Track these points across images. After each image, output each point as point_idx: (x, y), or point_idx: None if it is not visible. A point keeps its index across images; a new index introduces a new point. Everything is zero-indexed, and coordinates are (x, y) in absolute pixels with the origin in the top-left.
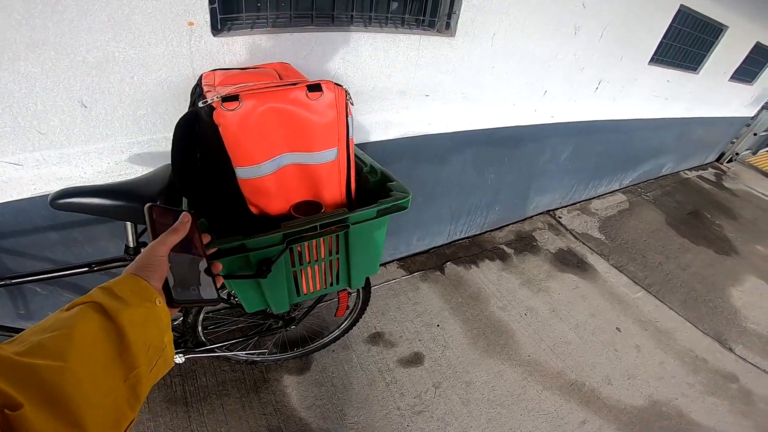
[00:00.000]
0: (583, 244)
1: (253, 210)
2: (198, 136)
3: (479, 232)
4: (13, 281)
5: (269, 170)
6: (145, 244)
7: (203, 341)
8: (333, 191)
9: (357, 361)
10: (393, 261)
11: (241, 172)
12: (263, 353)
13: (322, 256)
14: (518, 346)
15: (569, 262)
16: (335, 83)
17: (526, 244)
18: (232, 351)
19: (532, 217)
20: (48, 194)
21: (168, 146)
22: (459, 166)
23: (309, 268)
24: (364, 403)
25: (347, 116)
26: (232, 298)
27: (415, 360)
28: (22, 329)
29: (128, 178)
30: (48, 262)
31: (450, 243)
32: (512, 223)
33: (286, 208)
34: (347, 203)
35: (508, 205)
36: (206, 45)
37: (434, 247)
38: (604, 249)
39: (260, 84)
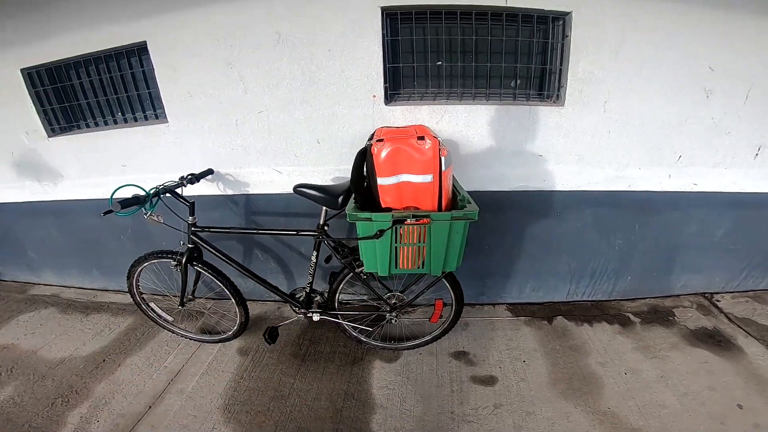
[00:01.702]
0: (738, 327)
1: (383, 203)
2: (365, 160)
3: (605, 299)
4: (259, 232)
5: (393, 182)
6: (328, 226)
7: (336, 307)
8: (428, 202)
9: (436, 366)
10: (503, 304)
11: (380, 180)
12: (369, 336)
13: (414, 241)
14: (600, 397)
15: (708, 340)
16: (434, 135)
17: (659, 316)
18: (351, 323)
19: (678, 295)
20: (287, 193)
21: (347, 173)
22: (577, 224)
23: (404, 248)
24: (425, 398)
25: (440, 156)
26: (361, 274)
27: (487, 381)
28: (253, 272)
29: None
30: None
31: (568, 302)
32: (650, 297)
33: (401, 207)
34: (436, 211)
35: (643, 277)
36: (381, 111)
37: (550, 302)
38: (767, 335)
39: (397, 135)
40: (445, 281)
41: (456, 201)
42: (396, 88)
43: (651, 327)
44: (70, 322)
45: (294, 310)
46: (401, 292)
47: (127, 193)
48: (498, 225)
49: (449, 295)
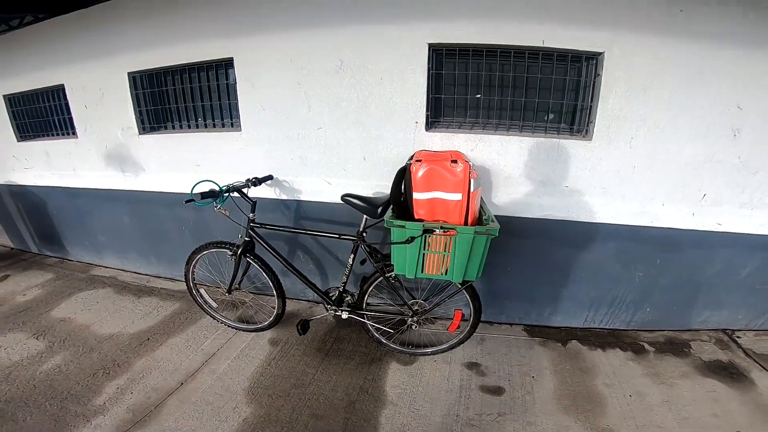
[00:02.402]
0: (755, 362)
1: (416, 215)
2: (404, 176)
3: (623, 328)
4: (308, 232)
5: (426, 197)
6: (366, 233)
7: (363, 307)
8: (455, 217)
9: (448, 372)
10: (520, 324)
11: (415, 195)
12: (389, 339)
13: (440, 249)
14: (602, 415)
15: (720, 371)
16: (466, 159)
17: (674, 347)
18: (374, 325)
19: (698, 330)
20: (333, 203)
21: (386, 189)
22: (599, 255)
23: (431, 255)
24: (434, 400)
25: (470, 178)
26: (390, 278)
27: (495, 391)
28: (296, 267)
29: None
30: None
31: (585, 328)
32: (669, 330)
33: (430, 220)
34: (463, 225)
35: (663, 310)
36: (421, 136)
37: (567, 327)
38: None
39: (434, 158)
40: (466, 293)
41: (481, 219)
42: (437, 116)
43: (664, 356)
44: (123, 303)
45: (326, 307)
46: (424, 300)
47: (204, 187)
48: (522, 250)
49: (468, 308)
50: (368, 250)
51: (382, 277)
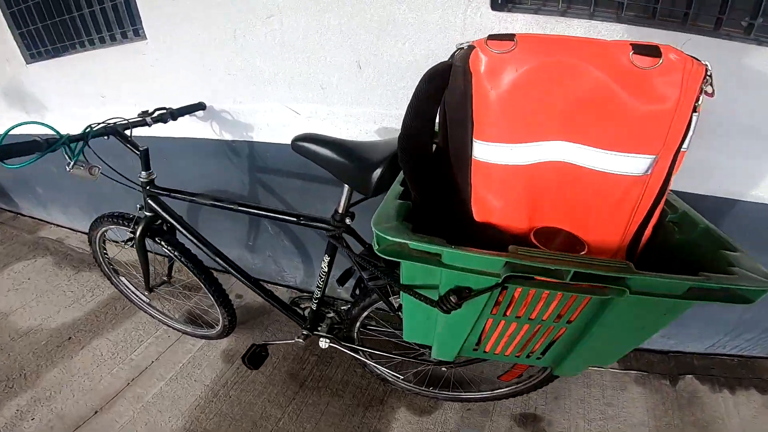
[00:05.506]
0: None
1: (475, 210)
2: (445, 94)
3: (763, 356)
4: (240, 209)
5: (523, 159)
6: (352, 216)
7: (353, 338)
8: (608, 225)
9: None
10: None
11: (480, 149)
12: (398, 378)
13: (544, 318)
14: None
15: None
16: (689, 54)
17: None
18: (372, 360)
19: None
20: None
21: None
22: None
23: (505, 323)
24: None
25: (693, 112)
26: (399, 311)
27: None
28: (232, 263)
29: None
30: (283, 204)
31: (707, 354)
32: None
33: (525, 227)
34: (627, 253)
35: None
36: (481, 18)
37: (679, 352)
38: None
39: (558, 43)
40: None
41: (662, 222)
42: None
43: None
44: (58, 281)
45: (298, 326)
46: None
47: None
48: None
49: None
50: (355, 255)
51: (382, 302)
